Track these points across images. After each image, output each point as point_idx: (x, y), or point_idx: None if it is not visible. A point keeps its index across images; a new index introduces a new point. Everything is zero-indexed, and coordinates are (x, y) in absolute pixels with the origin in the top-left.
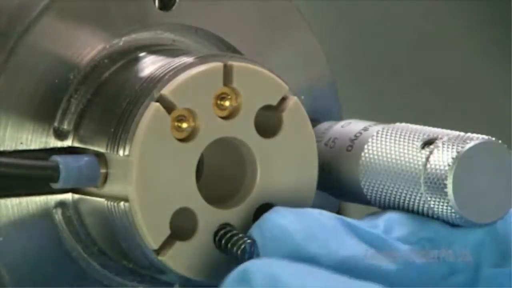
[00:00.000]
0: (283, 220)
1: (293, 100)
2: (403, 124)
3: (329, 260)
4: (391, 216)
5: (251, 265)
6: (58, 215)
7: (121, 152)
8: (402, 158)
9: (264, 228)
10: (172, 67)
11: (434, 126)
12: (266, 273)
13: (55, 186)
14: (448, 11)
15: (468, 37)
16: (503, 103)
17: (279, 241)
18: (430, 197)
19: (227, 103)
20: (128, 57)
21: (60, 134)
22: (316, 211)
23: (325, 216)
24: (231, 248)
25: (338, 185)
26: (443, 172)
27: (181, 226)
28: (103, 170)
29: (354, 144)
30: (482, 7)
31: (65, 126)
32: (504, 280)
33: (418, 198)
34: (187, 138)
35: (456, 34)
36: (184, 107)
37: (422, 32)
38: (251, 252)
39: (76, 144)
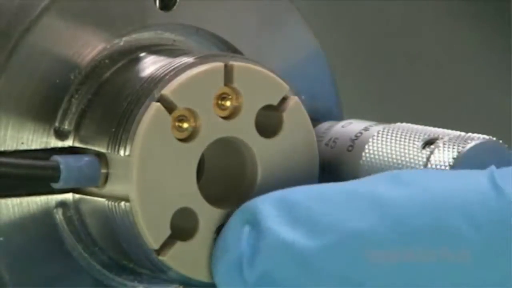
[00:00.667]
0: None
1: (293, 100)
2: (404, 124)
3: None
4: None
5: (252, 201)
6: (58, 215)
7: (121, 152)
8: (403, 158)
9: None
10: (172, 67)
11: (434, 126)
12: (271, 198)
13: (55, 186)
14: (448, 11)
15: (468, 37)
16: (503, 103)
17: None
18: None
19: (227, 103)
20: (129, 57)
21: (61, 134)
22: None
23: None
24: None
25: None
26: None
27: (182, 226)
28: (103, 170)
29: (355, 144)
30: (482, 7)
31: (66, 126)
32: None
33: None
34: (188, 138)
35: (457, 34)
36: (184, 107)
37: (423, 32)
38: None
39: (77, 144)
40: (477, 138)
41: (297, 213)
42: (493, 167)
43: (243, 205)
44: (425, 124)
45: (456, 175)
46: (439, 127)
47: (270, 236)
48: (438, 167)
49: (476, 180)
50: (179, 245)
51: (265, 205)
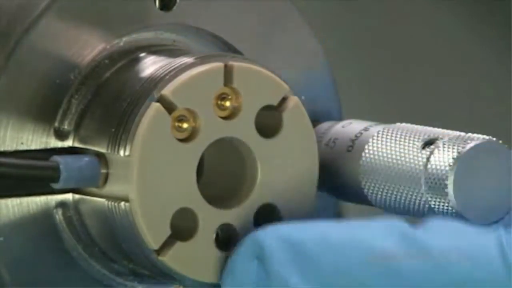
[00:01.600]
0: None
1: (293, 100)
2: (404, 124)
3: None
4: None
5: (259, 234)
6: (58, 215)
7: (121, 152)
8: (403, 159)
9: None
10: (172, 67)
11: (435, 126)
12: (279, 236)
13: (55, 186)
14: (448, 11)
15: (469, 37)
16: (503, 103)
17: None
18: (431, 198)
19: (227, 103)
20: (129, 57)
21: (60, 134)
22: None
23: None
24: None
25: (338, 185)
26: (443, 172)
27: (182, 226)
28: (103, 170)
29: (355, 145)
30: (482, 7)
31: (66, 126)
32: None
33: (418, 198)
34: (188, 138)
35: (457, 33)
36: (184, 107)
37: (423, 32)
38: None
39: (77, 144)
40: (477, 139)
41: (304, 259)
42: (501, 230)
43: (250, 236)
44: (425, 125)
45: (464, 242)
46: (439, 127)
47: (278, 283)
48: (438, 167)
49: (487, 254)
50: (179, 245)
51: (272, 243)
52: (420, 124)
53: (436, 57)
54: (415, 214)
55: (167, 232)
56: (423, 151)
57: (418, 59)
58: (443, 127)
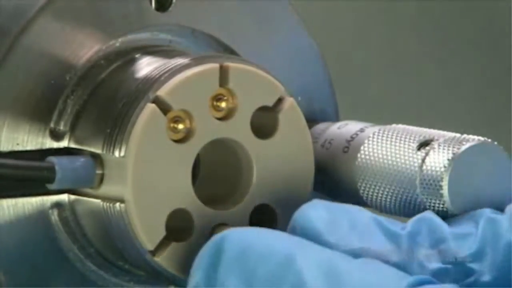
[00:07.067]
0: (313, 212)
1: (289, 101)
2: (400, 126)
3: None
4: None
5: (226, 233)
6: (54, 216)
7: (116, 153)
8: (398, 160)
9: (294, 218)
10: (168, 68)
11: (431, 127)
12: (238, 238)
13: (51, 187)
14: (448, 11)
15: (468, 37)
16: (502, 104)
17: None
18: (426, 199)
19: (223, 104)
20: (125, 58)
21: (56, 135)
22: (353, 207)
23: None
24: None
25: (334, 186)
26: (438, 173)
27: (177, 227)
28: (99, 171)
29: (351, 146)
30: (482, 7)
31: (61, 127)
32: None
33: (414, 199)
34: (183, 139)
35: (456, 33)
36: (180, 108)
37: (422, 32)
38: None
39: (72, 145)
40: (472, 140)
41: (245, 266)
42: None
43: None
44: (423, 125)
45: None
46: (437, 128)
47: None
48: (433, 168)
49: None
50: (174, 246)
51: (230, 246)
52: (417, 125)
53: (436, 57)
54: (410, 215)
55: (162, 232)
56: (418, 153)
57: (417, 59)
58: (441, 129)
